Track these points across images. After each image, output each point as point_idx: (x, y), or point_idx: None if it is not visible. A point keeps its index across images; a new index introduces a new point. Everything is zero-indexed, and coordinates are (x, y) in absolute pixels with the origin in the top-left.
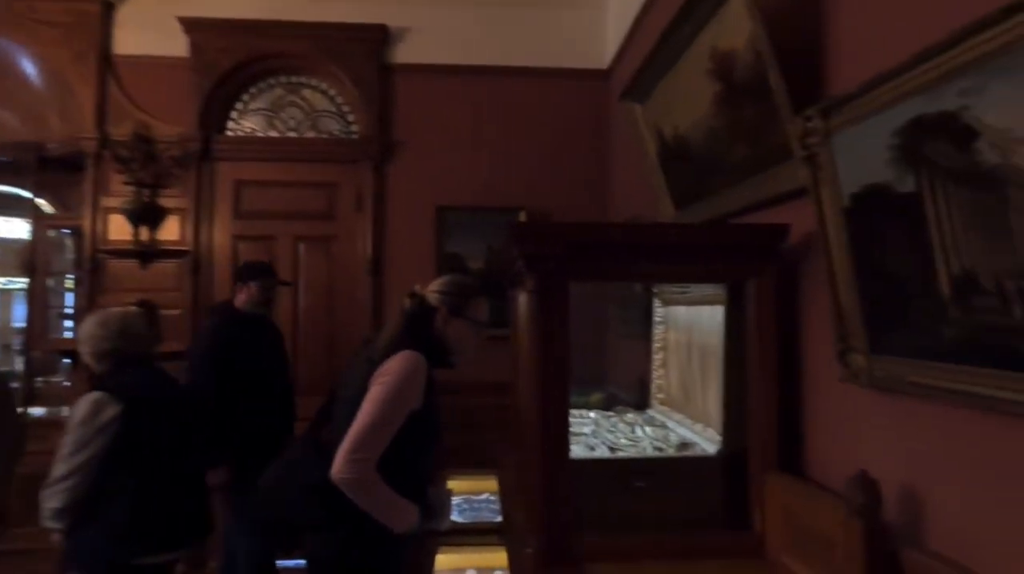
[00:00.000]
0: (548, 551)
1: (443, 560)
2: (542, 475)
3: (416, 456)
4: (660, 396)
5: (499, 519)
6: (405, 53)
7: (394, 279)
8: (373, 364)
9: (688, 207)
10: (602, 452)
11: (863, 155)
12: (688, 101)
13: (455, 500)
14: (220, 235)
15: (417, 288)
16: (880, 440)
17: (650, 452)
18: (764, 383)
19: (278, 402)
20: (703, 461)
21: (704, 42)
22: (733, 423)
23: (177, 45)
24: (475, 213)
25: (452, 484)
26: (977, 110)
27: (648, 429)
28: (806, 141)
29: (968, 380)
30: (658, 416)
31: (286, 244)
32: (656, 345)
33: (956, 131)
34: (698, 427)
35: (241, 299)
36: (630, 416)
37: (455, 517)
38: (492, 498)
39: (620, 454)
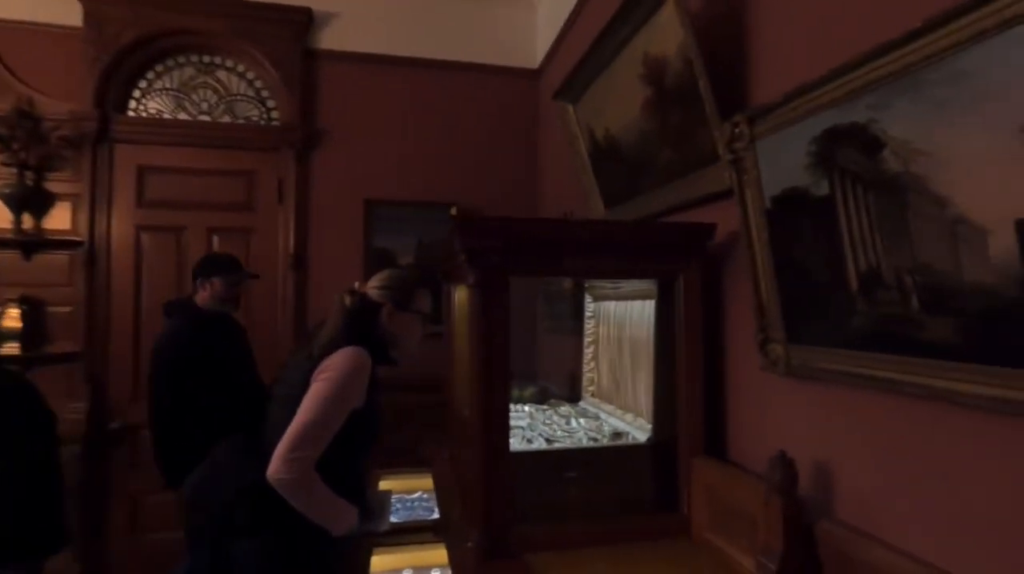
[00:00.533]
0: (489, 545)
1: (378, 561)
2: (482, 469)
3: (355, 456)
4: (592, 389)
5: (434, 516)
6: (330, 39)
7: (319, 274)
8: (314, 361)
9: (618, 206)
10: (539, 444)
11: (784, 160)
12: (620, 104)
13: None
14: (120, 225)
15: (356, 286)
16: (796, 423)
17: (586, 442)
18: (691, 373)
19: (247, 406)
20: (635, 449)
21: (637, 47)
22: (662, 412)
23: (68, 12)
24: (405, 208)
25: (384, 484)
26: (883, 123)
27: (582, 420)
28: (732, 146)
29: (871, 365)
30: (591, 408)
31: (198, 236)
32: (587, 339)
33: (865, 141)
34: (629, 417)
35: (203, 296)
36: (564, 408)
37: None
38: (426, 496)
39: (557, 445)
